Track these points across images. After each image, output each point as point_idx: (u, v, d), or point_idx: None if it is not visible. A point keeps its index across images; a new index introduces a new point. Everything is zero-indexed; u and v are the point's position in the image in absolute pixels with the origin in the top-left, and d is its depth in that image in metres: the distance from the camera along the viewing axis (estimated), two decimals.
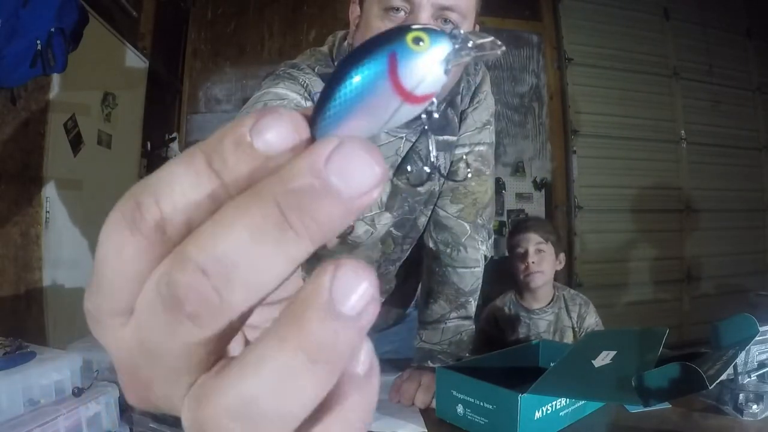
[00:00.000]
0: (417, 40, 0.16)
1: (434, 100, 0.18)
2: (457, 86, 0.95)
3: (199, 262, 0.14)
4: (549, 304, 1.50)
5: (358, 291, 0.14)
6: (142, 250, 0.15)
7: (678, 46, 3.66)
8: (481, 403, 0.76)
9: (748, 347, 0.80)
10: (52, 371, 0.68)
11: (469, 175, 1.01)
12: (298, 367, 0.13)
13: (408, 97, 0.16)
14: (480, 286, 1.05)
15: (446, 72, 0.17)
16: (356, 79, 0.16)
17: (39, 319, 1.74)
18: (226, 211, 0.14)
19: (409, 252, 1.08)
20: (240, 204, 0.14)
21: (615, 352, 0.79)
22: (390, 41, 0.16)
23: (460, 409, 0.80)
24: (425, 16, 0.75)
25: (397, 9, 0.76)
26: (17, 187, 1.65)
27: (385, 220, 0.96)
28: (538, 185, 3.39)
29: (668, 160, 3.62)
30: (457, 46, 0.17)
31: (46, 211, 1.79)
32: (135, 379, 0.17)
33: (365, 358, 0.16)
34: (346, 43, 0.91)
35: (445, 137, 0.96)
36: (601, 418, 0.84)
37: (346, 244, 0.96)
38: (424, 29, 0.16)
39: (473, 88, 1.00)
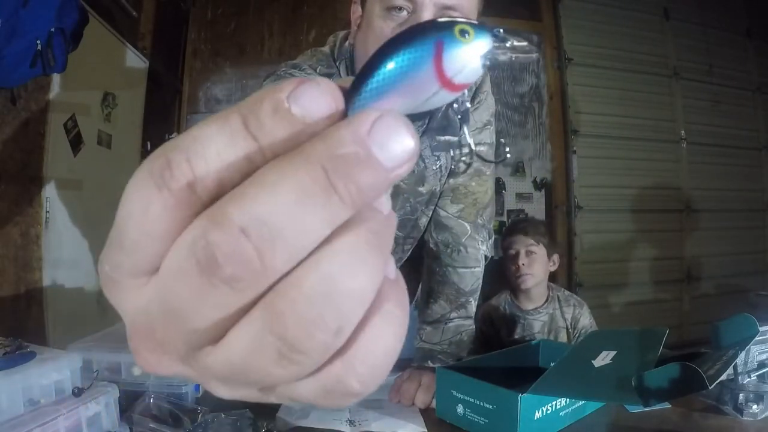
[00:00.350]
0: (463, 32, 0.17)
1: (466, 91, 0.19)
2: None
3: (241, 223, 0.14)
4: (543, 304, 1.51)
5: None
6: (171, 208, 0.15)
7: (678, 46, 3.66)
8: (481, 403, 0.76)
9: (748, 347, 0.80)
10: (52, 371, 0.68)
11: (483, 166, 1.00)
12: (363, 249, 0.15)
13: (447, 83, 0.17)
14: (480, 286, 1.05)
15: (484, 66, 0.18)
16: (402, 58, 0.17)
17: (39, 319, 1.74)
18: (270, 172, 0.14)
19: (410, 252, 1.08)
20: (285, 166, 0.14)
21: (615, 352, 0.79)
22: (439, 29, 0.17)
23: (460, 409, 0.80)
24: (427, 16, 0.75)
25: (400, 8, 0.76)
26: (17, 187, 1.65)
27: None
28: (538, 185, 3.39)
29: (668, 160, 3.62)
30: (496, 44, 0.18)
31: (46, 211, 1.79)
32: (149, 342, 0.16)
33: (392, 266, 0.17)
34: (347, 43, 0.91)
35: (447, 137, 0.96)
36: (601, 418, 0.84)
37: None
38: (470, 23, 0.18)
39: (474, 89, 1.00)
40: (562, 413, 0.78)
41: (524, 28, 3.51)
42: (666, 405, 0.86)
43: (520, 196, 3.38)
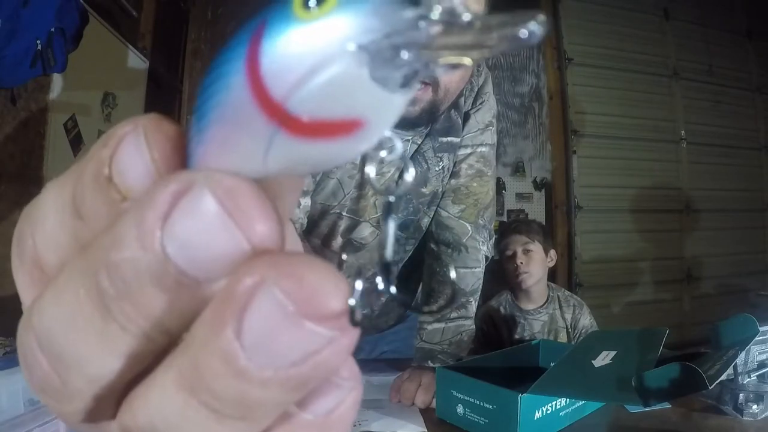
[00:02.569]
0: (307, 3, 0.09)
1: (389, 136, 0.10)
2: None
3: (36, 335, 0.12)
4: (543, 305, 1.51)
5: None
6: (28, 284, 0.13)
7: (678, 46, 3.66)
8: (481, 403, 0.76)
9: (748, 347, 0.80)
10: None
11: (484, 167, 1.00)
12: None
13: (283, 117, 0.09)
14: (480, 286, 1.05)
15: (402, 80, 0.09)
16: (211, 68, 0.10)
17: None
18: (58, 279, 0.11)
19: (411, 252, 1.08)
20: (66, 271, 0.11)
21: (615, 352, 0.79)
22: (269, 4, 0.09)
23: (460, 409, 0.80)
24: None
25: None
26: (17, 187, 1.65)
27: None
28: (538, 185, 3.39)
29: (668, 160, 3.62)
30: (427, 26, 0.08)
31: None
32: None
33: (332, 398, 0.12)
34: None
35: (449, 138, 0.97)
36: (601, 418, 0.84)
37: (351, 245, 0.96)
38: None
39: (476, 90, 1.00)
40: (562, 413, 0.78)
41: None
42: (666, 405, 0.86)
43: (520, 196, 3.37)
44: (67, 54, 1.60)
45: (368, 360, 1.22)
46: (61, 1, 1.51)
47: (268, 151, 0.09)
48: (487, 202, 1.03)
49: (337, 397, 0.12)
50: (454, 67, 0.09)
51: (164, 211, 0.09)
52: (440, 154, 0.95)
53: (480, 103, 0.99)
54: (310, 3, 0.08)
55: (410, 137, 0.90)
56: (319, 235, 0.97)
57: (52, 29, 1.49)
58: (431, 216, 1.04)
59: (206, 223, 0.09)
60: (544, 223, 3.25)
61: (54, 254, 0.12)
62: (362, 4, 0.08)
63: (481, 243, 1.02)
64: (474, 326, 1.03)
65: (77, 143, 1.99)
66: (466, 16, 0.08)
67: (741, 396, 0.82)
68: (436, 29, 0.08)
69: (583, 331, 1.49)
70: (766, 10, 3.75)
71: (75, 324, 0.10)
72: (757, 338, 0.78)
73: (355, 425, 0.81)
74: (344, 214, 0.93)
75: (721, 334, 0.81)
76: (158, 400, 0.10)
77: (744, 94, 3.84)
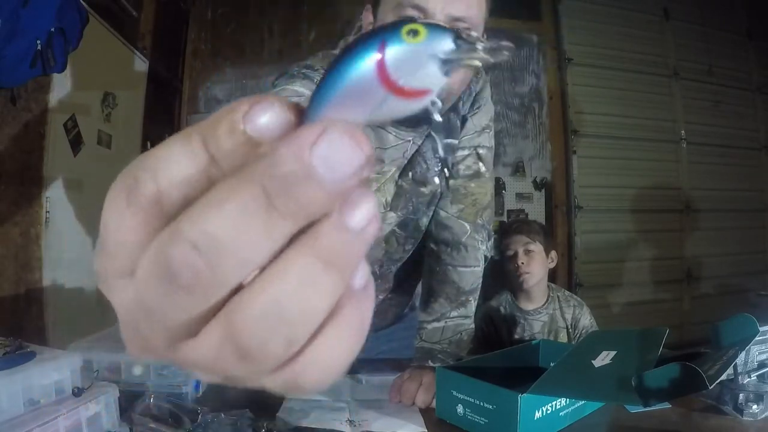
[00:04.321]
0: (413, 33, 0.16)
1: (436, 100, 0.17)
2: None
3: (192, 238, 0.15)
4: (544, 305, 1.51)
5: (363, 209, 0.15)
6: (140, 222, 0.16)
7: (678, 46, 3.66)
8: (481, 403, 0.76)
9: (748, 347, 0.80)
10: (52, 371, 0.68)
11: (482, 168, 1.02)
12: (315, 272, 0.15)
13: (395, 88, 0.16)
14: (480, 285, 1.05)
15: (445, 72, 0.16)
16: (346, 63, 0.16)
17: (39, 319, 1.74)
18: (218, 192, 0.15)
19: (410, 252, 1.09)
20: (230, 186, 0.15)
21: (615, 352, 0.79)
22: (385, 30, 0.16)
23: (460, 409, 0.80)
24: None
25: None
26: (17, 187, 1.65)
27: (390, 219, 0.98)
28: (538, 185, 3.39)
29: (668, 160, 3.62)
30: (462, 47, 0.16)
31: (46, 211, 1.79)
32: (136, 334, 0.18)
33: (362, 273, 0.17)
34: None
35: (448, 140, 0.98)
36: (601, 418, 0.84)
37: None
38: (425, 23, 0.16)
39: (474, 94, 1.01)
40: (562, 413, 0.78)
41: (524, 28, 3.51)
42: (666, 405, 0.86)
43: (520, 196, 3.38)
44: (67, 54, 1.60)
45: (368, 360, 1.22)
46: (61, 1, 1.51)
47: (376, 108, 0.16)
48: (486, 202, 1.04)
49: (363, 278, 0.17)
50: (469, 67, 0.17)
51: (312, 141, 0.15)
52: (439, 155, 0.96)
53: (477, 108, 1.02)
54: (413, 34, 0.16)
55: (411, 137, 0.92)
56: None
57: (52, 29, 1.49)
58: (430, 216, 1.04)
59: (340, 146, 0.15)
60: (544, 223, 3.25)
61: (179, 191, 0.16)
62: (438, 38, 0.16)
63: (480, 242, 1.03)
64: (473, 325, 1.04)
65: (77, 143, 1.99)
66: (482, 44, 0.16)
67: (741, 396, 0.82)
68: (475, 53, 0.16)
69: (583, 331, 1.49)
70: (766, 10, 3.75)
71: (240, 219, 0.15)
72: (757, 338, 0.78)
73: (355, 425, 0.81)
74: None
75: (721, 334, 0.81)
76: (291, 264, 0.15)
77: (744, 94, 3.83)
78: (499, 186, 3.34)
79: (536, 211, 3.37)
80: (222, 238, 0.15)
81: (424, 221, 1.04)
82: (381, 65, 0.16)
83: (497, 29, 3.47)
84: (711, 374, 0.67)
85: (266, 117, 0.15)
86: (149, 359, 0.19)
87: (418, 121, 0.87)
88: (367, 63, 0.15)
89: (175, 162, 0.16)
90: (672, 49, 3.65)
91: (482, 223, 1.04)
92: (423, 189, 0.98)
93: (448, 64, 0.16)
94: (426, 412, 0.86)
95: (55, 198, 1.84)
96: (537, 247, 1.51)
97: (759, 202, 3.86)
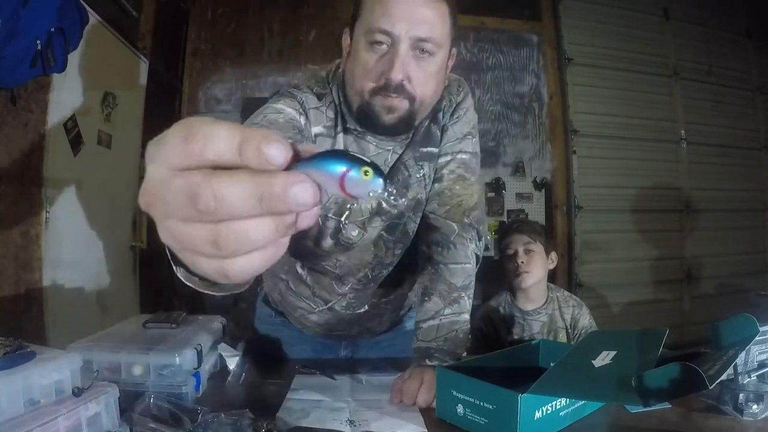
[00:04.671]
0: (365, 173, 0.29)
1: (385, 195, 0.30)
2: (439, 104, 1.01)
3: (214, 190, 0.26)
4: (543, 305, 1.50)
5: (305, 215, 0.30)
6: (187, 155, 0.27)
7: (678, 46, 3.66)
8: (481, 403, 0.76)
9: (748, 347, 0.80)
10: (52, 371, 0.68)
11: (465, 173, 1.05)
12: (267, 229, 0.28)
13: (344, 191, 0.29)
14: (473, 283, 1.06)
15: (370, 194, 0.29)
16: (328, 162, 0.28)
17: (39, 319, 1.74)
18: (238, 176, 0.26)
19: (400, 257, 1.10)
20: (246, 177, 0.26)
21: (615, 352, 0.79)
22: (354, 162, 0.28)
23: (460, 409, 0.80)
24: (404, 48, 0.83)
25: (380, 42, 0.84)
26: (17, 187, 1.65)
27: (375, 224, 1.02)
28: (538, 185, 3.39)
29: (668, 160, 3.62)
30: (382, 192, 0.29)
31: (46, 211, 1.79)
32: (148, 195, 0.28)
33: (285, 241, 0.30)
34: (340, 69, 0.98)
35: (429, 149, 1.03)
36: (601, 418, 0.84)
37: (340, 245, 1.02)
38: (375, 171, 0.29)
39: (455, 105, 1.04)
40: (562, 413, 0.78)
41: (524, 28, 3.52)
42: (666, 405, 0.86)
43: (520, 196, 3.38)
44: (67, 54, 1.60)
45: (368, 360, 1.22)
46: (61, 1, 1.51)
47: (331, 190, 0.29)
48: (472, 204, 1.05)
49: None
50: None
51: (294, 183, 0.26)
52: (421, 163, 1.02)
53: (457, 117, 1.05)
54: (366, 173, 0.28)
55: (392, 147, 0.98)
56: (311, 237, 1.01)
57: (52, 29, 1.49)
58: (417, 222, 1.07)
59: (305, 192, 0.27)
60: (544, 223, 3.26)
61: (214, 155, 0.27)
62: (376, 183, 0.29)
63: (468, 240, 1.04)
64: (468, 323, 1.04)
65: (77, 143, 1.99)
66: (391, 196, 0.31)
67: (741, 396, 0.82)
68: (386, 199, 0.31)
69: (582, 331, 1.48)
70: (766, 10, 3.75)
71: (242, 197, 0.26)
72: (757, 338, 0.78)
73: (355, 425, 0.81)
74: (330, 215, 0.99)
75: (721, 334, 0.81)
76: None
77: (744, 94, 3.84)
78: (499, 186, 3.34)
79: (536, 211, 3.38)
80: (229, 199, 0.26)
81: (412, 227, 1.07)
82: (342, 179, 0.28)
83: (498, 29, 3.48)
84: (711, 374, 0.67)
85: (280, 153, 0.27)
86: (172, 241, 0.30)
87: (396, 132, 0.93)
88: (336, 172, 0.28)
89: (220, 140, 0.27)
90: (672, 49, 3.65)
91: (470, 222, 1.05)
92: (405, 192, 1.01)
93: (373, 193, 0.29)
94: (426, 412, 0.86)
95: (55, 198, 1.84)
96: (537, 247, 1.51)
97: (759, 202, 3.86)
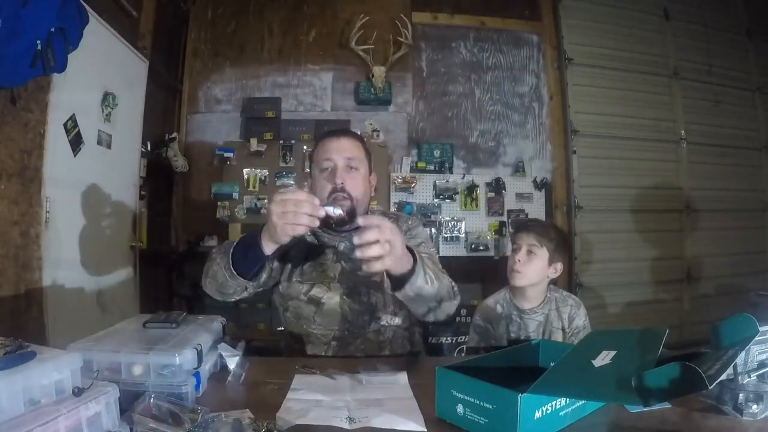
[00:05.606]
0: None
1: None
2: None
3: (281, 198, 1.01)
4: (540, 305, 1.50)
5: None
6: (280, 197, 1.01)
7: (678, 46, 3.66)
8: (481, 403, 0.76)
9: (748, 347, 0.80)
10: (52, 371, 0.68)
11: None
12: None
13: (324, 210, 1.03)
14: (451, 289, 1.21)
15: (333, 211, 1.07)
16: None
17: (39, 319, 1.74)
18: (290, 196, 1.01)
19: (369, 324, 1.33)
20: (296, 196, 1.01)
21: (615, 352, 0.79)
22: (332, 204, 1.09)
23: (460, 409, 0.80)
24: (342, 164, 1.31)
25: (326, 168, 1.32)
26: (17, 187, 1.65)
27: (335, 289, 1.34)
28: (538, 185, 3.39)
29: (668, 160, 3.62)
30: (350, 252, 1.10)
31: (46, 211, 1.79)
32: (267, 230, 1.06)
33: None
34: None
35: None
36: (601, 418, 0.84)
37: (313, 301, 1.34)
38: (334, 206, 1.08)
39: (406, 227, 1.44)
40: (562, 413, 0.78)
41: (524, 28, 3.52)
42: (666, 405, 0.86)
43: (520, 195, 3.38)
44: (67, 54, 1.60)
45: (368, 360, 1.22)
46: (61, 1, 1.51)
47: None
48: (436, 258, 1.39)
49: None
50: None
51: (314, 209, 1.03)
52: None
53: (411, 235, 1.43)
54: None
55: (342, 238, 1.36)
56: (301, 292, 1.36)
57: (52, 29, 1.49)
58: (382, 298, 1.34)
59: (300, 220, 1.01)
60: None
61: (294, 195, 1.02)
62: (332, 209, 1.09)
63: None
64: (447, 284, 1.18)
65: (77, 143, 1.99)
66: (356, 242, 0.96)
67: (741, 396, 0.82)
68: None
69: (576, 331, 1.48)
70: (766, 10, 3.75)
71: (294, 204, 1.00)
72: (757, 338, 0.78)
73: (354, 422, 0.81)
74: (303, 281, 1.36)
75: (721, 334, 0.81)
76: None
77: (744, 94, 3.84)
78: (499, 186, 3.35)
79: (536, 211, 3.38)
80: (289, 207, 0.99)
81: (374, 299, 1.34)
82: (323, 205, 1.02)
83: (498, 29, 3.48)
84: (711, 374, 0.67)
85: (313, 206, 1.00)
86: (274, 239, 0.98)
87: (344, 223, 1.27)
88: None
89: (291, 194, 1.01)
90: (672, 49, 3.65)
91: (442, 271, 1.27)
92: (359, 272, 1.31)
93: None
94: (426, 412, 0.86)
95: (55, 198, 1.84)
96: (540, 252, 1.48)
97: (759, 202, 3.86)
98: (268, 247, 1.07)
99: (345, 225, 1.28)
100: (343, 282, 1.34)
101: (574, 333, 1.49)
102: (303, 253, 1.38)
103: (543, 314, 1.50)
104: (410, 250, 1.05)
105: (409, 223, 1.48)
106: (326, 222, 1.18)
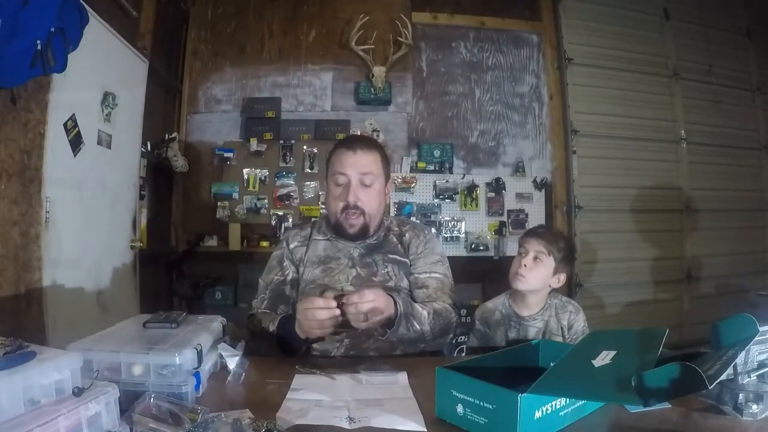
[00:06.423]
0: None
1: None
2: (403, 228, 1.52)
3: (310, 308, 1.12)
4: (539, 311, 1.49)
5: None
6: (312, 306, 1.12)
7: (678, 46, 3.66)
8: (481, 403, 0.76)
9: (748, 347, 0.80)
10: (52, 371, 0.68)
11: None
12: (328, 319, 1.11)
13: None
14: (449, 322, 1.32)
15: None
16: None
17: (39, 319, 1.74)
18: (326, 311, 1.11)
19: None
20: (322, 301, 1.12)
21: (615, 352, 0.79)
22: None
23: (460, 409, 0.80)
24: (355, 181, 1.34)
25: (341, 183, 1.36)
26: (17, 187, 1.65)
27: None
28: (538, 185, 3.39)
29: (668, 160, 3.62)
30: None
31: (46, 211, 1.79)
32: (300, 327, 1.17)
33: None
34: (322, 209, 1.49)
35: (393, 256, 1.42)
36: (601, 418, 0.84)
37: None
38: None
39: (421, 239, 1.47)
40: (562, 413, 0.78)
41: (524, 28, 3.51)
42: (666, 405, 0.86)
43: (520, 196, 3.37)
44: (67, 54, 1.60)
45: (368, 359, 1.22)
46: (61, 1, 1.51)
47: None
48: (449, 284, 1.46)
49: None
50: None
51: (336, 314, 1.11)
52: (387, 264, 1.41)
53: (422, 252, 1.45)
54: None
55: (353, 245, 1.41)
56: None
57: (52, 29, 1.49)
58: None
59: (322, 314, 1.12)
60: (543, 222, 3.25)
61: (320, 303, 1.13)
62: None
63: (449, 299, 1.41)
64: (424, 331, 1.25)
65: (77, 143, 1.99)
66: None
67: (741, 396, 0.82)
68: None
69: (574, 336, 1.47)
70: (766, 10, 3.75)
71: (319, 313, 1.10)
72: (757, 338, 0.79)
73: (354, 421, 0.81)
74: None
75: (721, 334, 0.81)
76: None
77: (744, 94, 3.84)
78: (499, 186, 3.35)
79: (536, 211, 3.38)
80: (314, 315, 1.10)
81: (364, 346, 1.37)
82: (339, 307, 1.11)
83: (498, 29, 3.48)
84: (711, 374, 0.67)
85: (332, 311, 1.09)
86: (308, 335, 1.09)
87: (357, 238, 1.40)
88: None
89: (317, 301, 1.11)
90: (672, 49, 3.65)
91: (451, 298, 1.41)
92: (374, 279, 1.37)
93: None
94: (426, 412, 0.86)
95: (55, 198, 1.84)
96: (547, 260, 1.47)
97: (759, 202, 3.86)
98: (305, 337, 1.18)
99: (357, 239, 1.41)
100: (356, 286, 1.34)
101: (573, 339, 1.48)
102: (319, 258, 1.41)
103: (542, 321, 1.49)
104: (396, 301, 1.15)
105: (426, 234, 1.49)
106: (341, 230, 1.37)
